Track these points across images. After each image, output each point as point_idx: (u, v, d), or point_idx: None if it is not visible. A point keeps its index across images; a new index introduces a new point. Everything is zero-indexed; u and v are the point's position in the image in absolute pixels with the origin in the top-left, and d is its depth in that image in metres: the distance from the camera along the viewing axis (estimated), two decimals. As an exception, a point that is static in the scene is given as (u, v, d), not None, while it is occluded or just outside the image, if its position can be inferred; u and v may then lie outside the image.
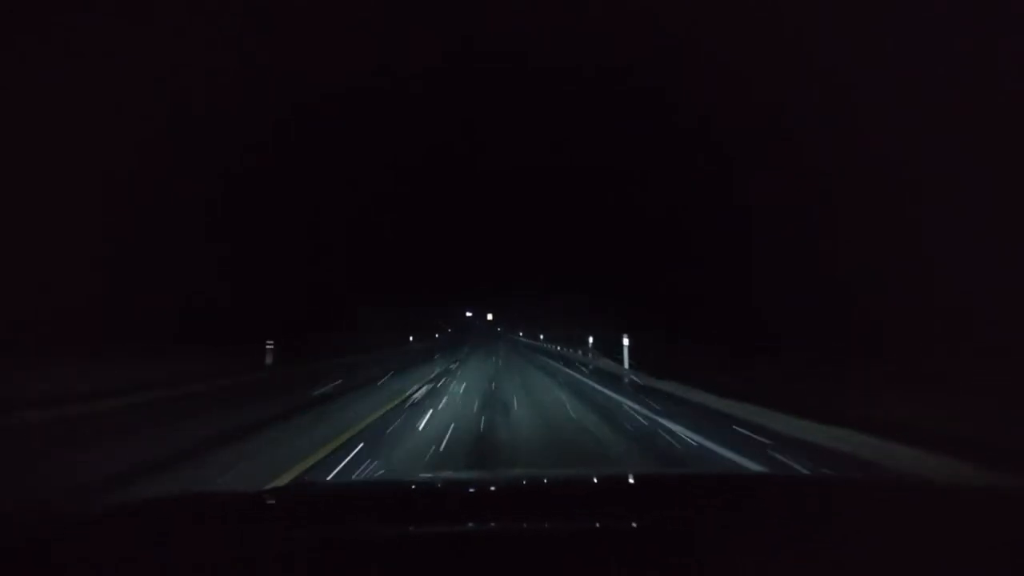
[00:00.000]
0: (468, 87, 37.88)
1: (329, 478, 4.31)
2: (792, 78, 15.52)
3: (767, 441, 6.16)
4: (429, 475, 3.23)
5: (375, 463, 5.12)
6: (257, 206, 19.39)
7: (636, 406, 9.45)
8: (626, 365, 18.76)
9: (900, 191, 12.56)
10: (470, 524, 1.21)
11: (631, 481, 1.70)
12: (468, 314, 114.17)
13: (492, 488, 1.69)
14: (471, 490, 1.65)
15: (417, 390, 11.49)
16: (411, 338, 38.29)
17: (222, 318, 16.03)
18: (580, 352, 28.32)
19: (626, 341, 19.19)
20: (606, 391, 12.19)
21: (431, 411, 8.49)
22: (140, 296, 13.32)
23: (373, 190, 35.33)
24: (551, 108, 42.38)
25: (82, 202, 12.10)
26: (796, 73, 15.32)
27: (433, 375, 15.78)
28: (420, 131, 41.38)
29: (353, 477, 4.40)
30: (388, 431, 6.79)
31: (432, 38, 25.37)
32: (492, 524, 1.22)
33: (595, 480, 1.76)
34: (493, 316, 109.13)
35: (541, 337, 49.04)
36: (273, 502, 1.36)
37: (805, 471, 4.85)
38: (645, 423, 7.69)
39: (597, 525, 1.12)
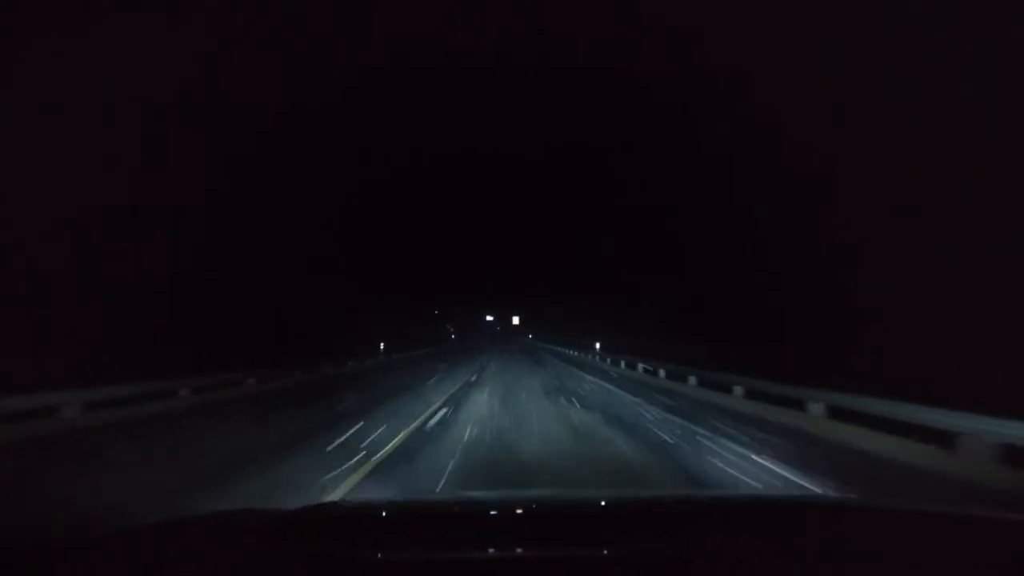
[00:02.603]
0: (480, 87, 37.97)
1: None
2: (793, 78, 15.50)
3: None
4: (456, 495, 3.18)
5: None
6: (256, 206, 19.45)
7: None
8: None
9: (899, 189, 12.53)
10: (493, 550, 1.21)
11: (656, 505, 1.70)
12: (488, 318, 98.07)
13: (519, 511, 1.69)
14: (494, 512, 1.65)
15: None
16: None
17: (213, 320, 15.96)
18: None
19: None
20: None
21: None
22: (133, 297, 13.36)
23: (377, 189, 35.49)
24: (562, 108, 42.48)
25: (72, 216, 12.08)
26: (796, 73, 15.31)
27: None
28: (435, 131, 41.57)
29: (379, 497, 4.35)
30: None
31: (437, 39, 25.44)
32: (519, 550, 1.22)
33: (617, 503, 1.76)
34: (520, 320, 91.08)
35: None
36: (296, 522, 1.37)
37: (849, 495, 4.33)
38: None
39: (615, 551, 1.12)
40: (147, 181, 13.92)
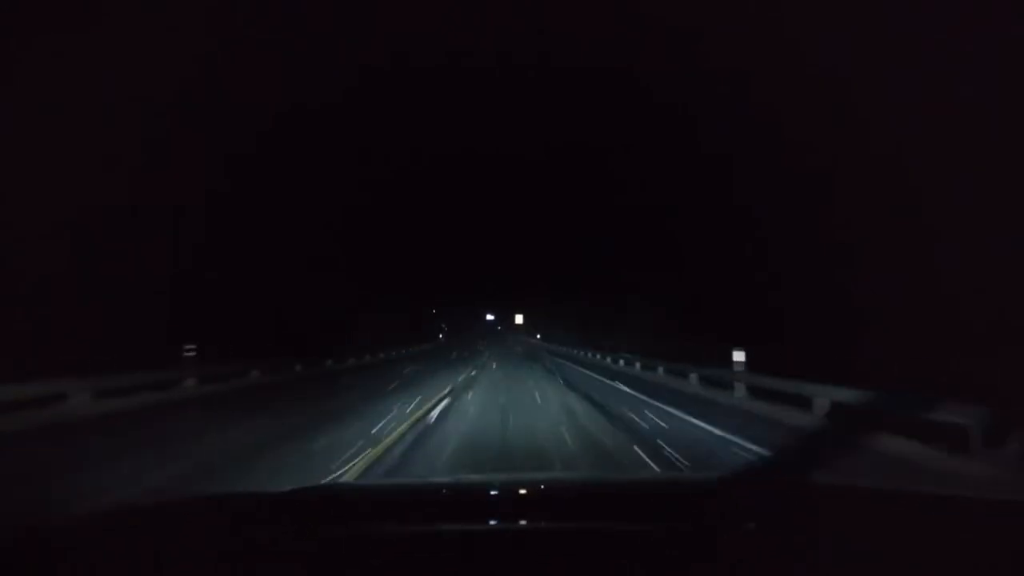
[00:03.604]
0: (480, 87, 37.98)
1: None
2: (793, 78, 15.50)
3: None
4: (450, 479, 3.18)
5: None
6: (256, 206, 19.45)
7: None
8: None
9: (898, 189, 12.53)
10: (492, 523, 1.21)
11: (641, 486, 1.70)
12: (489, 317, 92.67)
13: (522, 492, 1.68)
14: (493, 493, 1.64)
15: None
16: None
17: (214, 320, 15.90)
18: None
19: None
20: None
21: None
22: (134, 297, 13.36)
23: (377, 186, 35.50)
24: (562, 108, 42.47)
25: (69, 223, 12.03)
26: (797, 73, 15.30)
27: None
28: (435, 131, 41.59)
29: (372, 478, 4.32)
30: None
31: (438, 39, 25.43)
32: (516, 525, 1.22)
33: (611, 485, 1.75)
34: (524, 319, 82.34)
35: None
36: (288, 504, 1.37)
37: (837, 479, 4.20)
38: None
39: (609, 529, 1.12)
40: (147, 181, 13.92)
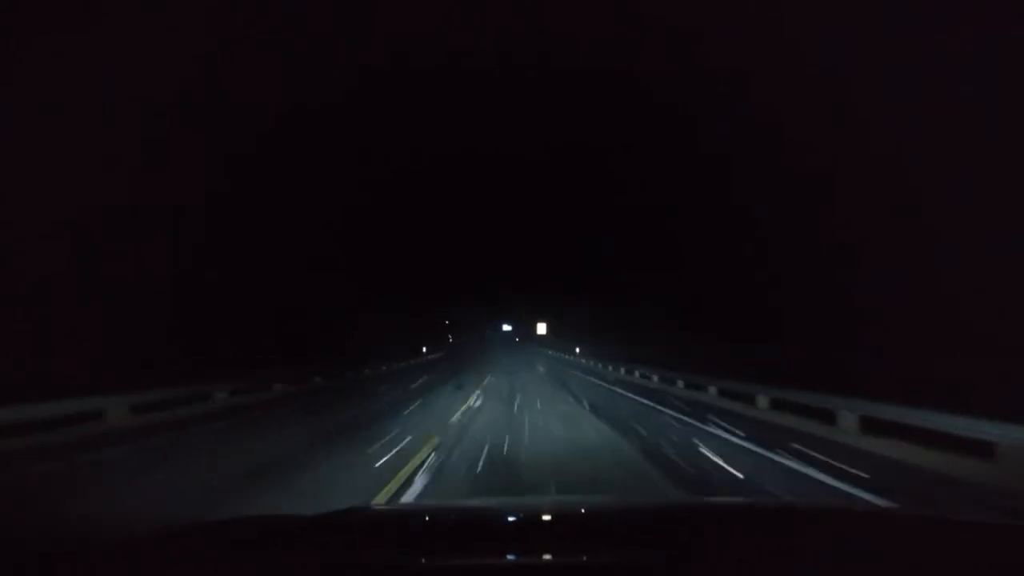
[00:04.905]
0: (480, 87, 37.97)
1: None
2: (793, 78, 15.49)
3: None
4: (474, 503, 3.13)
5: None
6: (256, 206, 19.45)
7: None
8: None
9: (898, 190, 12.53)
10: (512, 557, 1.20)
11: (657, 511, 1.69)
12: (505, 328, 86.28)
13: (543, 518, 1.66)
14: (512, 520, 1.62)
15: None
16: None
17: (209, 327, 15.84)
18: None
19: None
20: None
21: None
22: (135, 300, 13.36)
23: (379, 188, 35.54)
24: (562, 108, 42.46)
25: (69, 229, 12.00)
26: (797, 73, 15.29)
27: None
28: (435, 131, 41.58)
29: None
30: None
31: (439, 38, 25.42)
32: (546, 557, 1.20)
33: (634, 511, 1.74)
34: (548, 328, 71.17)
35: None
36: (312, 529, 1.36)
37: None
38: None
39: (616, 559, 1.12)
40: (147, 181, 13.92)
